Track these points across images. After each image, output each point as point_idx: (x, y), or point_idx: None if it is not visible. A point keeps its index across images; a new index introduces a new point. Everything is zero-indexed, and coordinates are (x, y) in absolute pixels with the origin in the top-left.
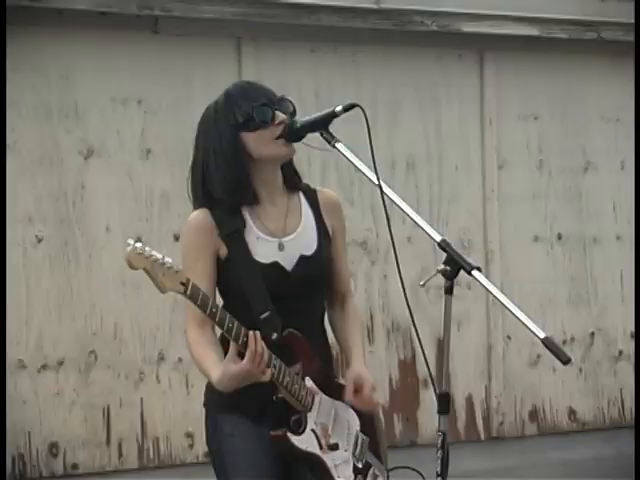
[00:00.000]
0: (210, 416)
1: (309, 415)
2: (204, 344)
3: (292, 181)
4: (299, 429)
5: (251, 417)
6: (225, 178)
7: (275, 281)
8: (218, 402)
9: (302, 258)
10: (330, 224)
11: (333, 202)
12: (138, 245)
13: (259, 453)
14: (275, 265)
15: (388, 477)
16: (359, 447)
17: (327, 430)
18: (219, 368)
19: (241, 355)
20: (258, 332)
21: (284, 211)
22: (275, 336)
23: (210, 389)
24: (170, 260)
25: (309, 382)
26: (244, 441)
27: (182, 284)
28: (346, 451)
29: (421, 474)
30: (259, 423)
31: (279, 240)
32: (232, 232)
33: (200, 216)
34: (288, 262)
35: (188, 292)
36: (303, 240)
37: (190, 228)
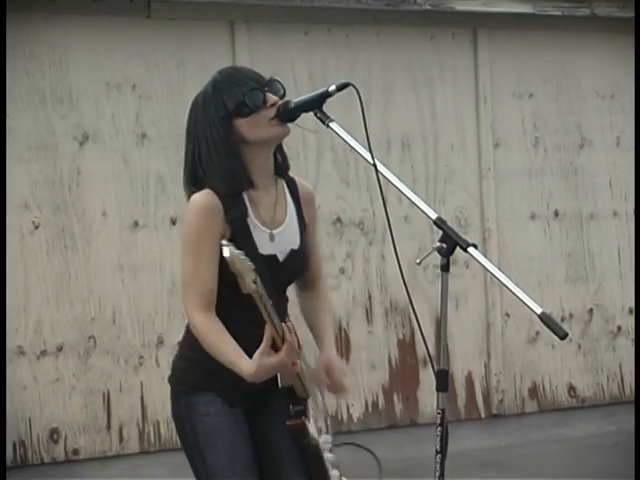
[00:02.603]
0: (181, 395)
1: (309, 401)
2: (218, 331)
3: (281, 166)
4: (305, 416)
5: (226, 397)
6: (220, 168)
7: (271, 273)
8: (191, 381)
9: (292, 252)
10: (306, 215)
11: (309, 194)
12: (236, 250)
13: (235, 432)
14: (272, 257)
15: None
16: (330, 428)
17: (316, 415)
18: (248, 360)
19: (273, 347)
20: (291, 324)
21: (274, 200)
22: None
23: (182, 368)
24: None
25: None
26: (219, 421)
27: (254, 282)
28: (326, 434)
29: (367, 449)
30: (233, 404)
31: (270, 231)
32: (238, 217)
33: (207, 198)
34: (279, 254)
35: (260, 290)
36: (290, 232)
37: (198, 210)
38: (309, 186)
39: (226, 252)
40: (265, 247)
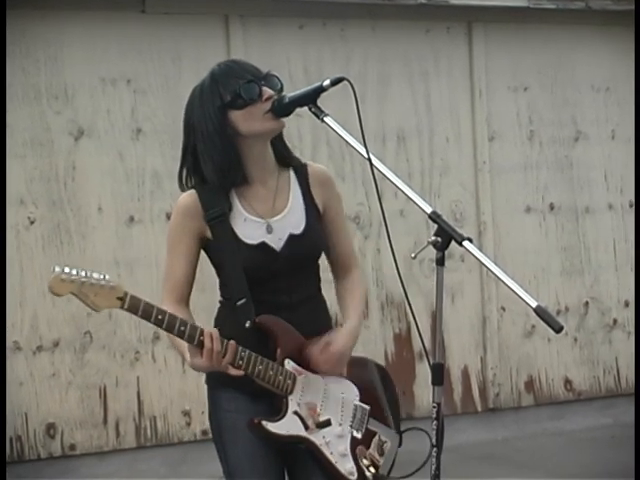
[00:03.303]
0: (209, 392)
1: (290, 398)
2: None
3: (283, 157)
4: (278, 415)
5: (248, 394)
6: (214, 160)
7: (263, 261)
8: (217, 379)
9: (291, 237)
10: (320, 199)
11: (322, 176)
12: (58, 270)
13: None
14: (262, 246)
15: (401, 440)
16: (357, 418)
17: (315, 408)
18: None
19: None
20: (215, 331)
21: (273, 191)
22: (248, 323)
23: None
24: (102, 277)
25: (289, 364)
26: (242, 418)
27: (119, 299)
28: (340, 425)
29: (427, 433)
30: (256, 400)
31: (267, 222)
32: (217, 216)
33: (187, 199)
34: (277, 242)
35: (125, 306)
36: (291, 219)
37: (177, 210)
38: (323, 168)
39: (50, 278)
40: (254, 237)
